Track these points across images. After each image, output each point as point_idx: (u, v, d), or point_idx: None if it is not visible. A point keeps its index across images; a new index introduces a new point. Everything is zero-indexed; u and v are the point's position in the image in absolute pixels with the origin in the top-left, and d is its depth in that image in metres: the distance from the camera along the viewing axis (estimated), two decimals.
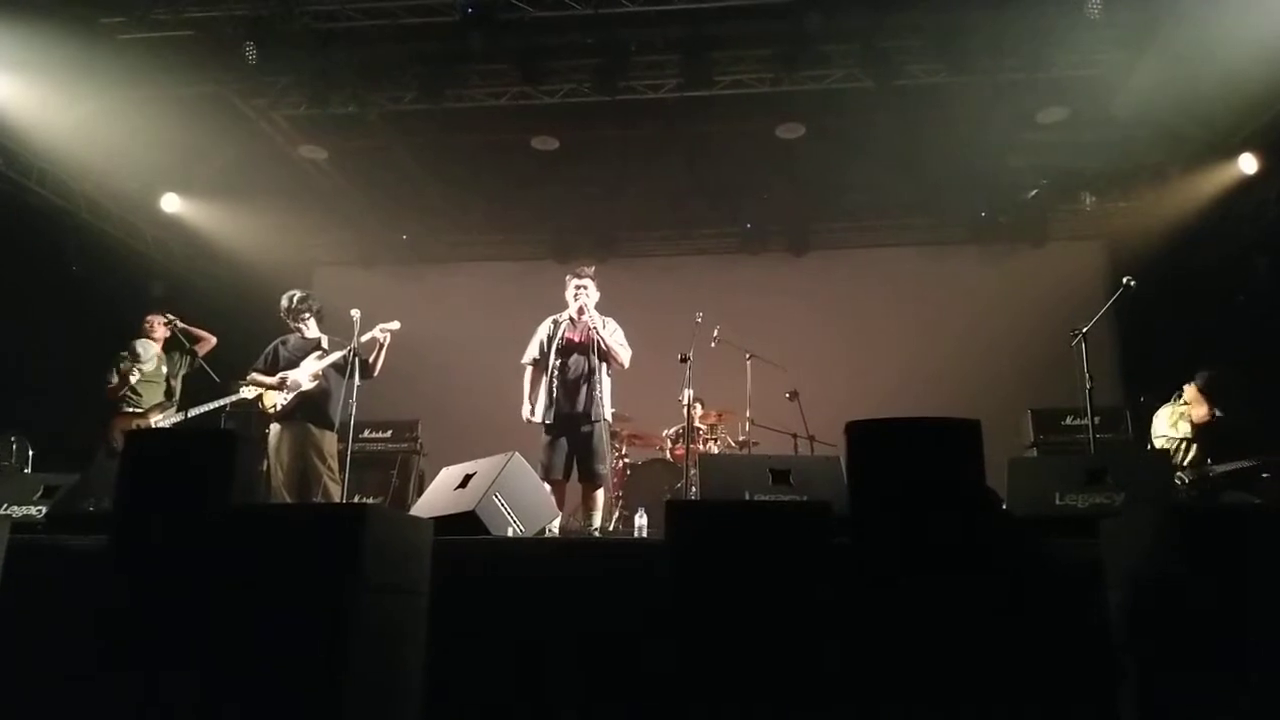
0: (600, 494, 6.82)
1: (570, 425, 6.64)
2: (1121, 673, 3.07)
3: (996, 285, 11.07)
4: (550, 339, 6.86)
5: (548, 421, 6.62)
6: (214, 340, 7.94)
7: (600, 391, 6.72)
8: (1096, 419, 6.90)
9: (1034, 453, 8.44)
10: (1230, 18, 7.10)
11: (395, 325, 7.07)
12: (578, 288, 6.91)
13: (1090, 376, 6.87)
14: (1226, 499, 6.67)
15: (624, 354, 6.85)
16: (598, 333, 6.75)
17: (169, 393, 7.84)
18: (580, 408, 6.66)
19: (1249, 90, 7.99)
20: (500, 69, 8.67)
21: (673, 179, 10.52)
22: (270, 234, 10.73)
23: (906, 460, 3.18)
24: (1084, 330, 7.02)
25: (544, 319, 7.01)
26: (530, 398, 6.80)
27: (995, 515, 3.65)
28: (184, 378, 7.90)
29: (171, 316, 7.58)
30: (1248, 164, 8.95)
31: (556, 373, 6.71)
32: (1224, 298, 9.10)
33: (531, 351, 6.90)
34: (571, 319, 6.87)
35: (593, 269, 7.12)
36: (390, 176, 10.71)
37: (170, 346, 7.87)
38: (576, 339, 6.81)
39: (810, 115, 9.28)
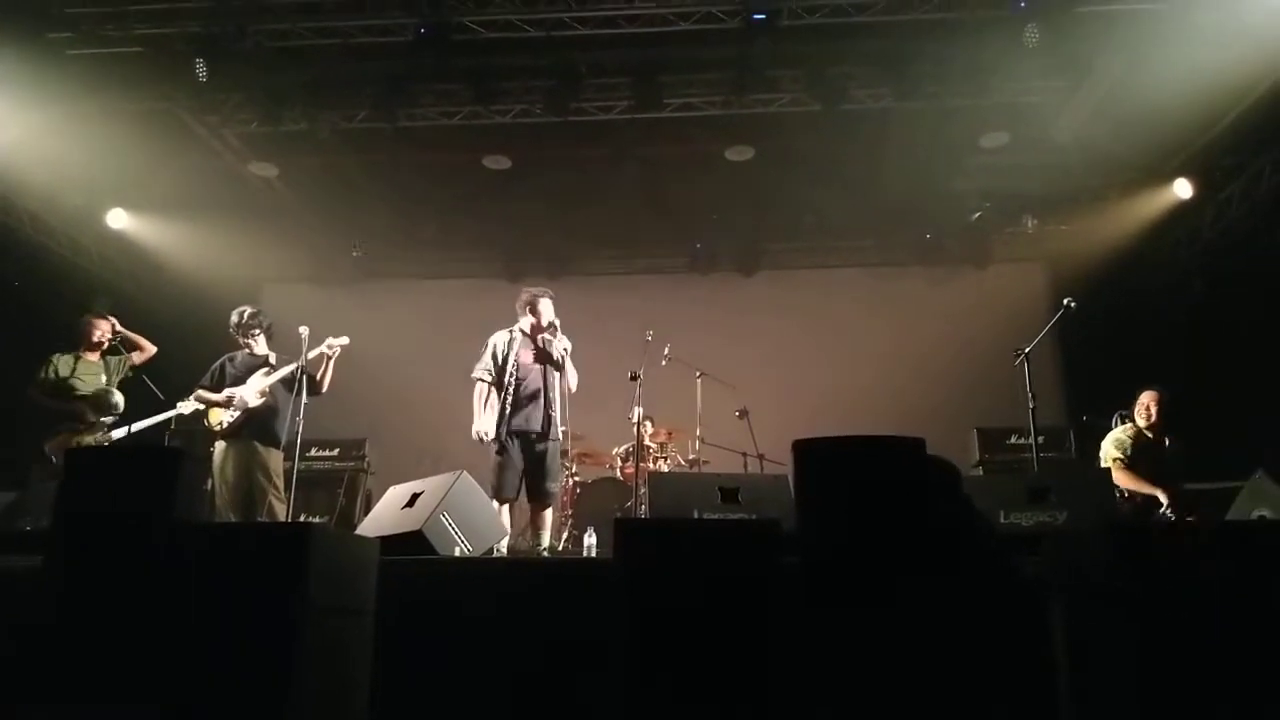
0: (549, 513, 6.70)
1: (525, 443, 6.54)
2: (1064, 687, 3.14)
3: (942, 306, 11.24)
4: (504, 354, 6.72)
5: (501, 439, 6.48)
6: (153, 350, 7.71)
7: (555, 410, 6.65)
8: (1040, 438, 6.98)
9: (980, 471, 8.58)
10: (1162, 48, 7.32)
11: (344, 340, 6.99)
12: (547, 300, 6.83)
13: (1033, 396, 7.00)
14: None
15: (573, 379, 6.74)
16: (564, 353, 6.66)
17: (108, 404, 7.57)
18: (536, 425, 6.55)
19: (1181, 118, 8.22)
20: (453, 88, 8.68)
21: (623, 199, 10.58)
22: (219, 251, 10.60)
23: (853, 478, 3.21)
24: (1026, 350, 7.16)
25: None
26: (480, 414, 6.63)
27: (957, 505, 3.73)
28: (120, 384, 7.67)
29: (113, 319, 7.44)
30: (1183, 189, 9.21)
31: (511, 389, 6.58)
32: (1162, 318, 9.32)
33: (485, 365, 6.72)
34: (524, 332, 6.78)
35: (550, 290, 7.04)
36: (341, 194, 10.67)
37: (109, 352, 7.65)
38: (532, 355, 6.72)
39: (759, 138, 9.40)
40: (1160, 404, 7.00)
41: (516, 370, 6.63)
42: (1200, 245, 9.55)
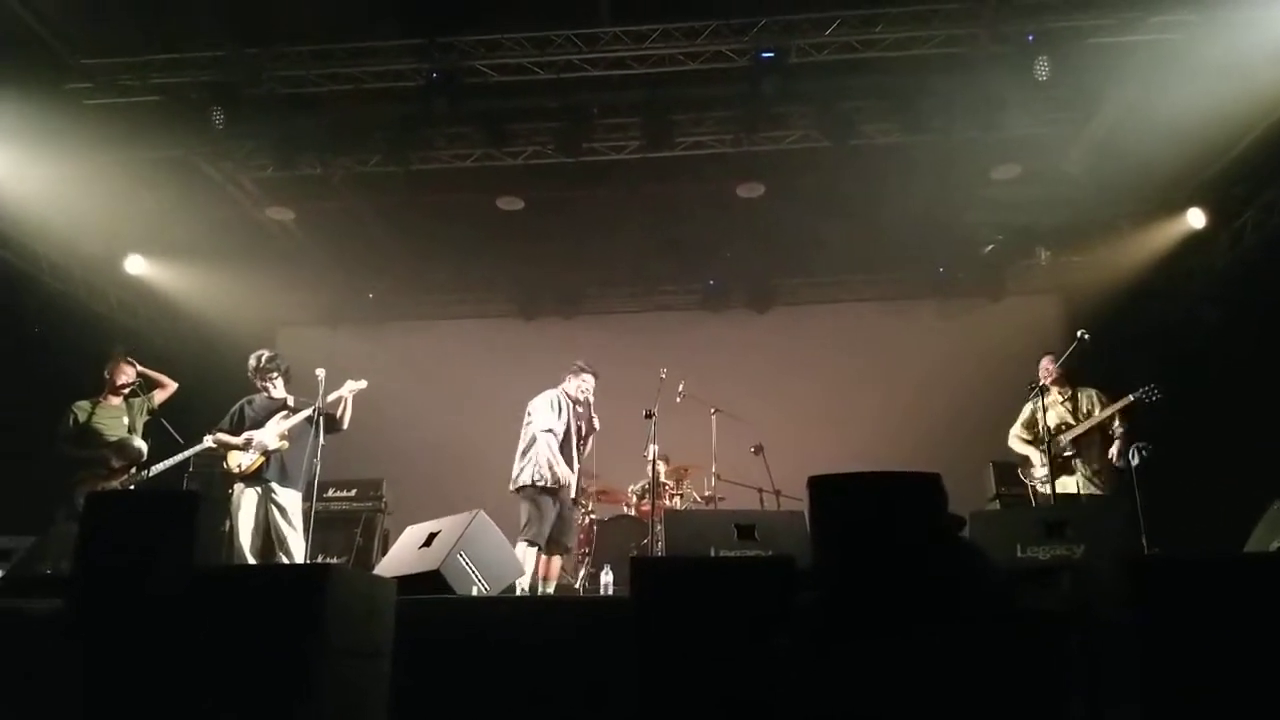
0: (557, 563, 7.20)
1: (564, 500, 7.05)
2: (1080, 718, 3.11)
3: (956, 339, 11.21)
4: (566, 417, 7.23)
5: (554, 487, 6.94)
6: (174, 386, 7.79)
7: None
8: (1056, 471, 7.04)
9: (996, 505, 8.52)
10: (1173, 78, 7.34)
11: (362, 384, 7.07)
12: (589, 378, 7.42)
13: (1049, 430, 6.99)
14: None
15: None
16: (594, 423, 7.42)
17: (132, 452, 7.60)
18: (573, 485, 7.14)
19: (1193, 148, 8.22)
20: (465, 131, 8.78)
21: (636, 237, 10.62)
22: (235, 295, 10.67)
23: (869, 514, 3.21)
24: (1042, 383, 7.17)
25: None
26: (559, 462, 7.01)
27: (962, 550, 3.71)
28: (145, 424, 7.72)
29: (132, 360, 7.51)
30: (1196, 219, 9.18)
31: (564, 449, 7.07)
32: (1177, 348, 9.28)
33: (555, 421, 7.15)
34: (573, 403, 7.32)
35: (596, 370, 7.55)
36: (356, 237, 10.74)
37: (130, 395, 7.70)
38: (578, 424, 7.29)
39: (770, 174, 9.43)
40: (1049, 364, 7.42)
41: (572, 435, 7.21)
42: (1214, 275, 9.51)
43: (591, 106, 8.48)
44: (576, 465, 7.17)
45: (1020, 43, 7.33)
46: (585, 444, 7.41)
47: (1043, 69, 7.18)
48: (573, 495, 7.16)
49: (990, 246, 10.83)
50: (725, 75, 7.83)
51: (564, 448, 7.05)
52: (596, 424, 7.46)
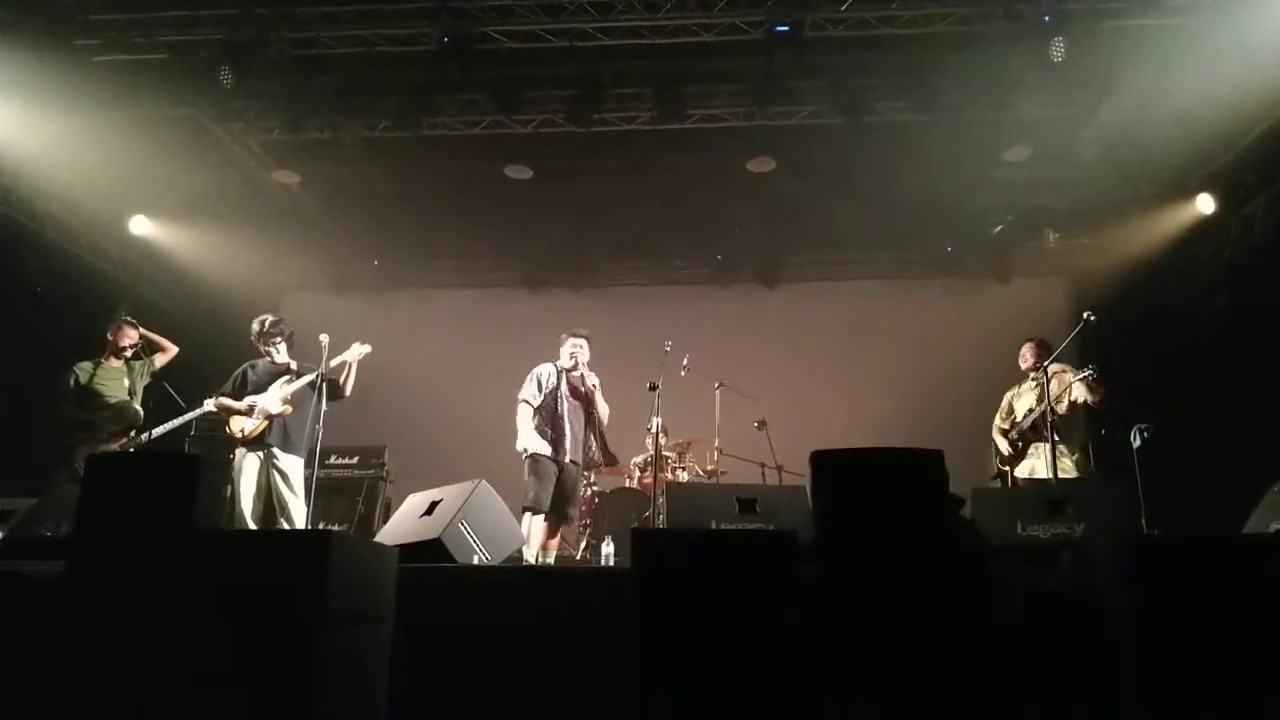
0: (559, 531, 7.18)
1: (564, 468, 6.96)
2: (1082, 696, 3.11)
3: (962, 319, 11.18)
4: (552, 385, 7.16)
5: (546, 454, 6.89)
6: (175, 350, 7.81)
7: (594, 444, 7.20)
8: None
9: (998, 483, 8.52)
10: (1187, 63, 7.28)
11: (367, 348, 7.08)
12: (575, 346, 7.26)
13: (1052, 409, 6.98)
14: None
15: (604, 411, 7.29)
16: (596, 392, 7.20)
17: (130, 417, 7.61)
18: (578, 454, 7.07)
19: (1205, 133, 8.19)
20: (475, 98, 8.73)
21: (644, 210, 10.58)
22: (240, 258, 10.65)
23: (871, 490, 3.20)
24: (1046, 364, 7.15)
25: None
26: (527, 432, 7.00)
27: (961, 528, 3.72)
28: (147, 387, 7.74)
29: (135, 322, 7.53)
30: (1205, 204, 9.13)
31: (557, 418, 7.03)
32: (1184, 333, 9.25)
33: (531, 391, 7.14)
34: (565, 370, 7.20)
35: (588, 332, 7.42)
36: (363, 202, 10.72)
37: (132, 357, 7.72)
38: (570, 390, 7.17)
39: (781, 150, 9.39)
40: (1035, 349, 7.50)
41: (566, 402, 7.11)
42: (1223, 260, 9.47)
43: (603, 76, 8.42)
44: (569, 433, 7.03)
45: (1036, 22, 7.26)
46: (591, 410, 7.24)
47: (1058, 50, 7.11)
48: (568, 459, 6.98)
49: (999, 228, 10.80)
50: (739, 48, 7.78)
51: (551, 417, 7.00)
52: (591, 382, 7.23)
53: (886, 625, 3.02)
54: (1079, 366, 7.25)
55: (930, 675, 2.96)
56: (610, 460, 7.51)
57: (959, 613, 3.09)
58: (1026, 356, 7.53)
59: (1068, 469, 7.04)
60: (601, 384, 7.30)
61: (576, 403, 7.17)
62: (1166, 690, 2.77)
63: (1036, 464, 7.21)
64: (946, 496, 3.44)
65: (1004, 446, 7.52)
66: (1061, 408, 7.16)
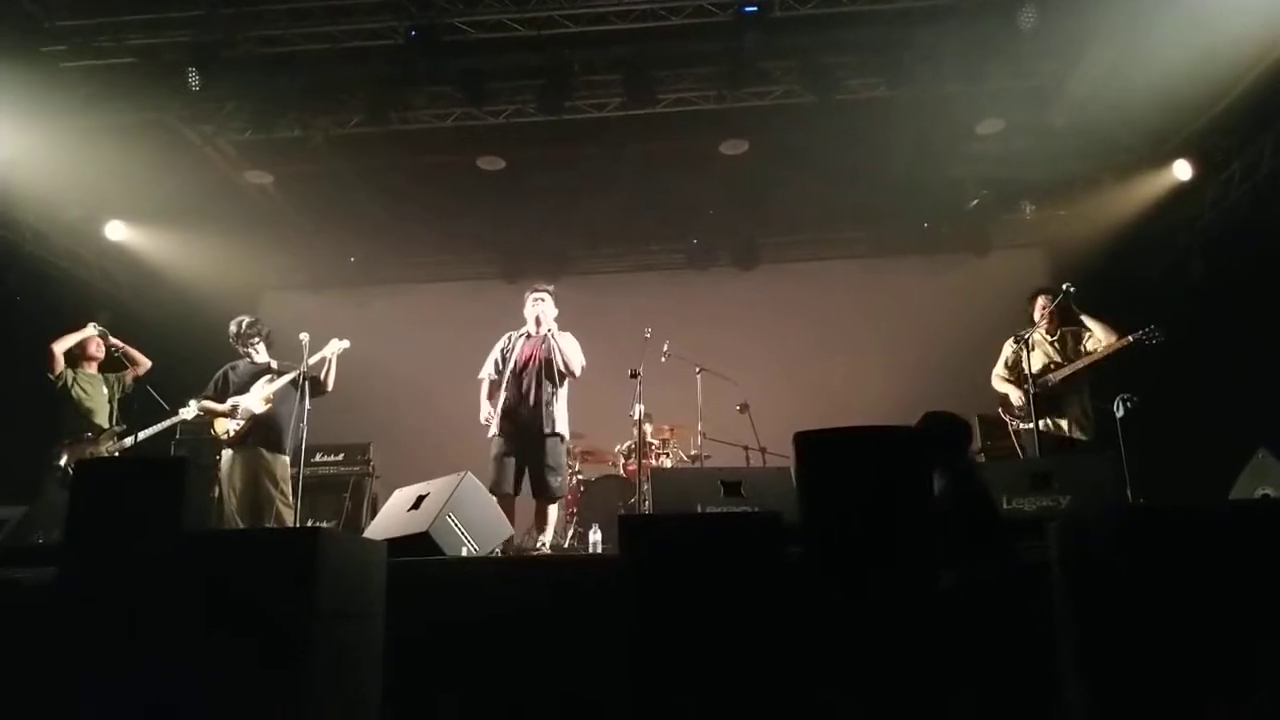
0: (553, 510, 6.79)
1: (521, 439, 6.63)
2: (1067, 669, 3.14)
3: (941, 295, 11.20)
4: (506, 353, 6.89)
5: (495, 433, 6.62)
6: (148, 364, 7.78)
7: (556, 406, 6.74)
8: (1042, 424, 7.04)
9: (982, 458, 8.56)
10: (1159, 29, 7.27)
11: (345, 344, 7.10)
12: (535, 300, 6.98)
13: (1034, 381, 7.01)
14: None
15: (575, 361, 6.85)
16: (555, 343, 6.78)
17: (110, 416, 7.62)
18: (533, 421, 6.64)
19: (1180, 99, 8.16)
20: (445, 91, 8.68)
21: (619, 196, 10.55)
22: (217, 260, 10.60)
23: (855, 469, 3.22)
24: (1027, 336, 7.18)
25: (497, 337, 7.05)
26: (484, 405, 6.80)
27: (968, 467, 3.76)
28: (119, 401, 7.72)
29: (103, 329, 7.50)
30: (1182, 170, 9.13)
31: (510, 386, 6.71)
32: (1162, 301, 9.30)
33: (487, 367, 6.94)
34: (528, 334, 6.91)
35: (551, 286, 7.19)
36: (337, 200, 10.65)
37: (108, 369, 7.71)
38: (531, 353, 6.82)
39: (753, 131, 9.38)
40: (1047, 303, 7.29)
41: (514, 367, 6.76)
42: (1200, 227, 9.52)
43: (572, 64, 8.38)
44: (533, 401, 6.63)
45: None
46: (555, 368, 6.76)
47: (1028, 19, 7.11)
48: (539, 430, 6.59)
49: (975, 202, 10.82)
50: (707, 30, 7.75)
51: (511, 389, 6.68)
52: (562, 339, 6.84)
53: (873, 601, 3.04)
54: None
55: (920, 648, 2.98)
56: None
57: (947, 586, 3.12)
58: (1042, 309, 7.31)
59: (1084, 431, 7.04)
60: (591, 365, 6.97)
61: (535, 366, 6.76)
62: (1155, 659, 2.79)
63: (1067, 423, 7.09)
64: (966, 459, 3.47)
65: (1015, 398, 7.25)
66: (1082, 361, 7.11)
